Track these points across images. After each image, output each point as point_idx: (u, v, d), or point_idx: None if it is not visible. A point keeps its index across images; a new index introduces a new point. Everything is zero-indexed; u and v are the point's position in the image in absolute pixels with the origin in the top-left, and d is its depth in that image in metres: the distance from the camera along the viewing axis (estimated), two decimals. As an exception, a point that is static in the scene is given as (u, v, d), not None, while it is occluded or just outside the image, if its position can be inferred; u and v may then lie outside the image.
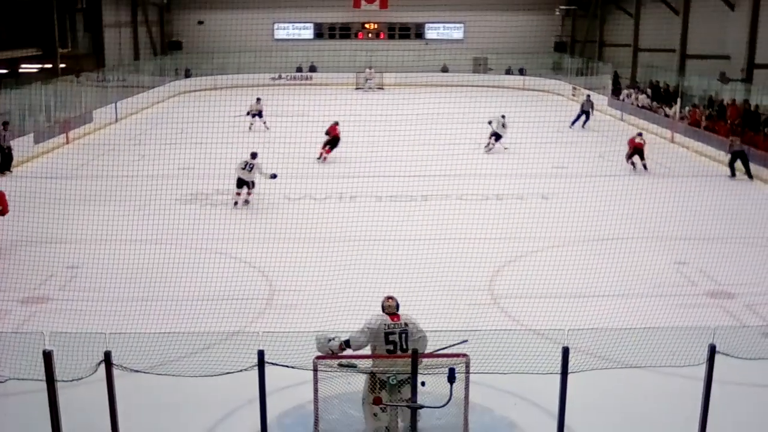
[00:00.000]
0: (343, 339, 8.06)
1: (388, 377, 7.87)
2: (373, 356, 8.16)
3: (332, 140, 25.30)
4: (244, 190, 19.08)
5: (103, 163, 23.68)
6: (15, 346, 7.93)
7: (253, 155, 19.24)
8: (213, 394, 9.18)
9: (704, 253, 14.83)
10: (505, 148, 26.39)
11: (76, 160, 23.97)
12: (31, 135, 25.99)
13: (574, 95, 41.61)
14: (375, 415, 8.18)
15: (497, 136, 26.66)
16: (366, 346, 8.15)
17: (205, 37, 43.69)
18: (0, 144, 23.03)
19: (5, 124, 23.57)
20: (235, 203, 19.10)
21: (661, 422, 8.99)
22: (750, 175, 22.98)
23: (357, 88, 46.04)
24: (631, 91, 37.21)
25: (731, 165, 23.32)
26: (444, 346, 8.03)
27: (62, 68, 34.73)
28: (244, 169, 19.05)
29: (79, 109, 31.40)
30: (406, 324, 8.15)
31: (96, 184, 20.24)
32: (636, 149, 24.11)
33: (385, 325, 8.12)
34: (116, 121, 33.40)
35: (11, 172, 23.06)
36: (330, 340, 8.04)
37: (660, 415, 9.12)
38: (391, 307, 8.30)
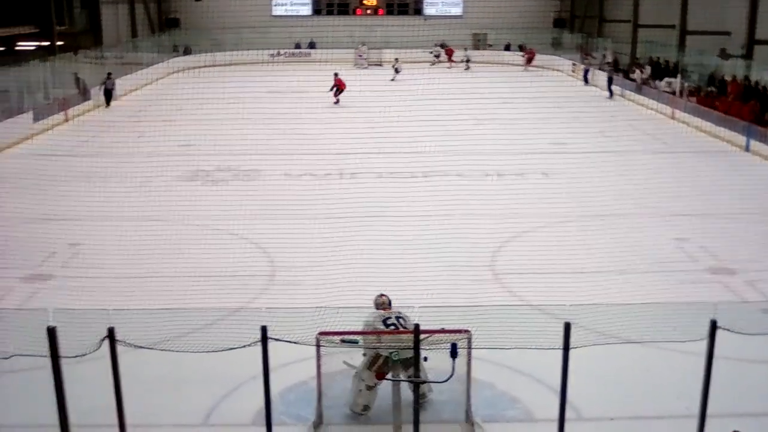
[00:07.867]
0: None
1: (391, 353, 7.96)
2: (375, 332, 8.26)
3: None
4: None
5: (102, 141, 23.61)
6: (19, 322, 7.96)
7: None
8: (216, 371, 9.22)
9: (705, 229, 14.85)
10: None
11: (76, 138, 23.88)
12: (30, 113, 25.90)
13: (573, 71, 41.41)
14: (360, 391, 8.44)
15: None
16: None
17: (202, 14, 43.31)
18: None
19: None
20: None
21: (663, 397, 9.04)
22: None
23: (355, 65, 45.86)
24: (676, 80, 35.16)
25: None
26: None
27: (60, 46, 34.50)
28: None
29: (78, 87, 31.25)
30: (399, 311, 8.54)
31: (96, 162, 20.19)
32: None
33: (380, 315, 8.50)
34: (115, 98, 33.27)
35: None
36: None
37: (661, 391, 9.16)
38: (384, 303, 8.74)
